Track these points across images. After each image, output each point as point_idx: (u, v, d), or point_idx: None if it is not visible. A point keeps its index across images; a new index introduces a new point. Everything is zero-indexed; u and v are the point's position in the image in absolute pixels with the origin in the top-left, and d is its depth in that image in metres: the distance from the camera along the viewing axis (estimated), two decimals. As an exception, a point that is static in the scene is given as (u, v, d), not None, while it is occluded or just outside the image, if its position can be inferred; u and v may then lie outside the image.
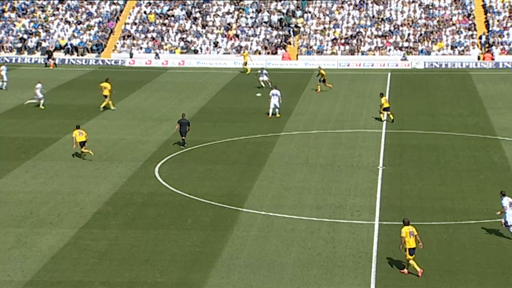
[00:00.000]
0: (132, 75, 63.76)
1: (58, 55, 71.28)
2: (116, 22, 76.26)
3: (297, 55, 71.61)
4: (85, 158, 37.78)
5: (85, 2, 77.80)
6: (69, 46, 72.39)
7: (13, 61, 69.50)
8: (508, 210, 27.18)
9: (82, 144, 37.71)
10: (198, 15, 76.40)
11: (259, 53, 71.66)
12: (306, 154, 39.26)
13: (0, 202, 31.48)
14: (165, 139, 42.05)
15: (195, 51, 72.17)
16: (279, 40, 72.97)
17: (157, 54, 70.81)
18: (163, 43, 72.94)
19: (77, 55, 71.87)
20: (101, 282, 24.21)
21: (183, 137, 39.97)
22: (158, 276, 24.70)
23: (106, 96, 49.26)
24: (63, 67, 67.45)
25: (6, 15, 76.49)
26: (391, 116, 46.45)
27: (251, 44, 72.72)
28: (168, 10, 76.88)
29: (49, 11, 77.01)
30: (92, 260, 25.86)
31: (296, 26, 74.76)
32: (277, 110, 47.31)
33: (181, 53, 71.73)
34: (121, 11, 77.59)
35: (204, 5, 77.20)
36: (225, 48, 72.51)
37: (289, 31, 73.97)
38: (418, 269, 24.55)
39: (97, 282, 24.24)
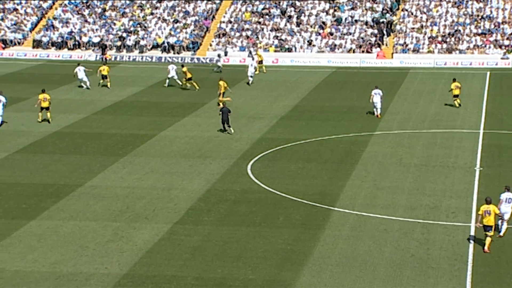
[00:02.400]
0: (227, 73, 64.37)
1: (155, 53, 72.73)
2: (212, 20, 77.19)
3: (392, 53, 70.64)
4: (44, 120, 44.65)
5: (183, 1, 79.06)
6: (165, 44, 73.75)
7: (112, 59, 71.31)
8: (503, 203, 27.28)
9: (46, 109, 44.72)
10: (293, 13, 76.44)
11: (353, 52, 71.09)
12: (400, 154, 38.68)
13: (99, 197, 32.37)
14: (258, 137, 42.27)
15: (289, 49, 72.23)
16: (374, 38, 72.18)
17: (250, 52, 71.26)
18: (257, 41, 73.33)
19: (173, 53, 73.13)
20: (194, 277, 24.54)
21: (229, 124, 42.59)
22: (250, 273, 24.84)
23: None
24: (160, 65, 68.73)
25: (107, 13, 78.60)
26: (458, 101, 49.08)
27: (345, 42, 72.22)
28: (263, 9, 77.24)
29: (147, 9, 78.68)
30: (186, 255, 26.25)
31: (391, 24, 73.78)
32: (379, 110, 46.90)
33: (275, 51, 71.93)
34: (217, 10, 78.49)
35: (299, 3, 77.20)
36: (319, 46, 72.28)
37: (383, 29, 73.06)
38: (486, 247, 25.67)
39: (190, 277, 24.58)
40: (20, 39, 75.54)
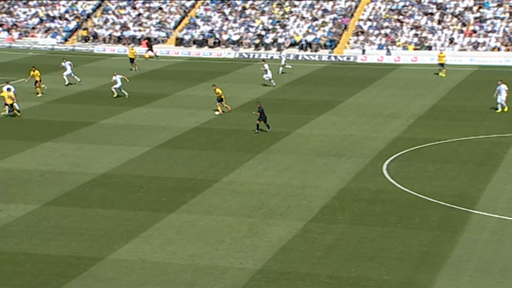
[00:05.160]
0: (364, 71, 63.84)
1: (292, 51, 73.13)
2: (351, 18, 76.73)
3: (539, 51, 67.61)
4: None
5: (321, -1, 79.12)
6: (303, 43, 74.00)
7: (250, 56, 72.34)
8: None
9: (11, 105, 46.11)
10: (434, 10, 74.70)
11: (498, 50, 68.54)
12: (546, 157, 36.99)
13: (234, 192, 32.91)
14: (394, 136, 41.62)
15: (429, 48, 70.63)
16: (520, 35, 69.37)
17: (388, 50, 70.25)
18: (396, 40, 72.20)
19: (311, 51, 73.26)
20: (328, 276, 24.48)
21: (267, 123, 42.38)
22: (385, 273, 24.49)
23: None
24: (296, 63, 69.05)
25: (247, 12, 79.82)
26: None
27: (489, 40, 69.76)
28: (403, 7, 75.96)
29: (286, 7, 79.23)
30: (319, 253, 26.22)
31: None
32: (503, 103, 46.50)
33: (415, 49, 70.55)
34: (356, 8, 77.95)
35: (441, 0, 75.36)
36: (461, 44, 70.23)
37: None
38: None
39: (324, 275, 24.54)
40: (163, 37, 78.05)
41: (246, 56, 72.66)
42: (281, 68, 62.41)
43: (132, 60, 63.61)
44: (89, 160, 37.69)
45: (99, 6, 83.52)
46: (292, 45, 74.52)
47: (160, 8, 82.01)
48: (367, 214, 29.99)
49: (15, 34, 79.33)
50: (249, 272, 24.88)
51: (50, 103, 50.49)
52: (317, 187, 33.37)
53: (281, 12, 78.77)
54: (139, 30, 78.63)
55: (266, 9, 79.65)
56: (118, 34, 78.33)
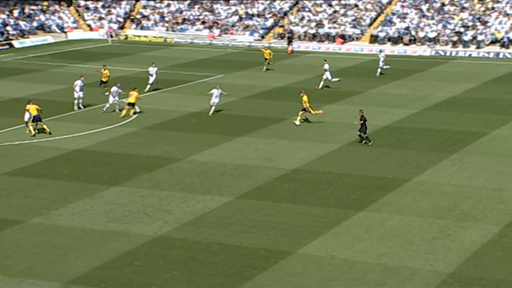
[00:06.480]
0: None
1: (493, 49, 70.21)
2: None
3: None
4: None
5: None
6: (505, 40, 70.80)
7: (447, 54, 70.30)
8: None
9: (133, 104, 45.12)
10: None
11: None
12: None
13: (426, 193, 32.14)
14: None
15: None
16: None
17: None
18: None
19: (512, 49, 70.07)
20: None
21: (365, 134, 39.26)
22: None
23: None
24: (498, 61, 66.19)
25: (445, 8, 77.68)
26: None
27: None
28: None
29: (488, 3, 76.18)
30: (516, 260, 25.02)
31: None
32: None
33: None
34: None
35: None
36: None
37: None
38: None
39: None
40: (358, 34, 77.83)
41: (442, 53, 70.68)
42: (379, 70, 59.25)
43: (267, 60, 61.97)
44: (280, 155, 38.35)
45: (296, 3, 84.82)
46: (493, 42, 71.54)
47: (356, 5, 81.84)
48: None
49: (216, 32, 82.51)
50: (440, 275, 24.20)
51: (245, 98, 51.96)
52: (515, 191, 31.83)
53: (482, 8, 75.85)
54: (334, 28, 78.95)
55: (466, 5, 77.06)
56: (313, 31, 79.12)
